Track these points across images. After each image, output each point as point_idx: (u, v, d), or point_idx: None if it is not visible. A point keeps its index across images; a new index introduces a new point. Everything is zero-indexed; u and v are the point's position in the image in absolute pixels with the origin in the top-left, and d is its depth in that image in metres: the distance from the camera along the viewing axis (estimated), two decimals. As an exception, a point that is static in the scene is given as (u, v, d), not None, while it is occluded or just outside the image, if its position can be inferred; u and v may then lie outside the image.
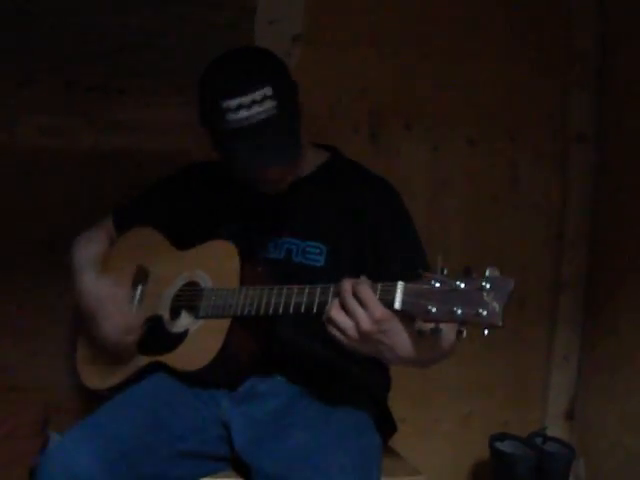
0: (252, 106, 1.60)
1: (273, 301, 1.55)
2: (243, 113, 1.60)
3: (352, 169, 1.82)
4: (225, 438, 1.65)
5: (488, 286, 1.28)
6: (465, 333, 1.30)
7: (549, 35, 2.49)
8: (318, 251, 1.72)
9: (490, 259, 2.43)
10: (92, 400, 2.17)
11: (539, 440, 2.41)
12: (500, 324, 1.28)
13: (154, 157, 2.18)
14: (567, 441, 2.45)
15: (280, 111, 1.61)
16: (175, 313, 1.74)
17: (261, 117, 1.60)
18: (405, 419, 1.96)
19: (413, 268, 1.59)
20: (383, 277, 1.44)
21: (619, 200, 2.41)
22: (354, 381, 1.72)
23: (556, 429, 2.52)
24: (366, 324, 1.38)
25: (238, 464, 1.64)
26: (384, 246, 1.69)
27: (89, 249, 1.86)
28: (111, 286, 1.76)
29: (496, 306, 1.28)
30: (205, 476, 1.64)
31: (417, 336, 1.42)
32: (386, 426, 1.77)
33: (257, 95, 1.60)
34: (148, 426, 1.57)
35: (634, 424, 2.24)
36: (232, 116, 1.60)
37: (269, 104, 1.60)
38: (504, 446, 2.36)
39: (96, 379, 1.83)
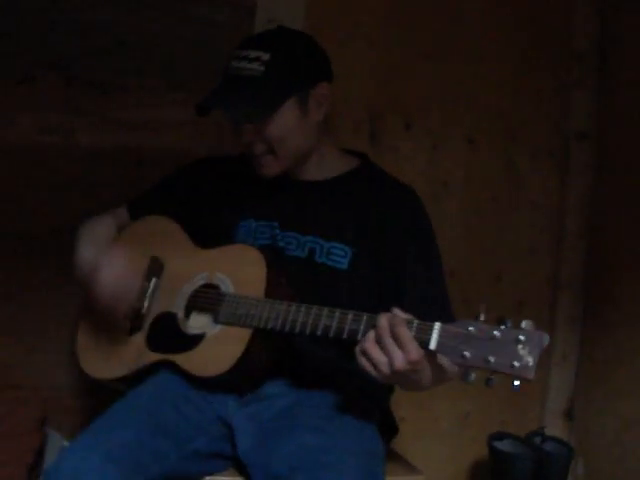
0: (242, 60, 1.65)
1: (300, 320, 1.53)
2: (234, 63, 1.67)
3: (382, 178, 1.80)
4: (228, 437, 1.65)
5: (523, 338, 1.31)
6: (495, 381, 1.33)
7: (549, 34, 2.49)
8: (343, 253, 1.69)
9: (489, 258, 2.47)
10: (91, 398, 2.20)
11: (538, 439, 2.42)
12: (532, 379, 1.31)
13: (154, 155, 2.18)
14: (566, 440, 2.46)
15: (263, 78, 1.63)
16: (190, 313, 1.70)
17: (241, 72, 1.65)
18: (404, 418, 1.97)
19: (434, 299, 1.65)
20: (402, 301, 1.49)
21: (619, 199, 2.41)
22: (359, 384, 1.72)
23: (555, 428, 2.52)
24: (400, 363, 1.39)
25: (240, 464, 1.63)
26: (408, 268, 1.68)
27: (94, 230, 1.82)
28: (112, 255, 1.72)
29: (530, 360, 1.30)
30: (210, 472, 1.64)
31: (440, 369, 1.46)
32: (388, 429, 1.78)
33: (253, 53, 1.65)
34: (154, 430, 1.55)
35: (633, 423, 2.24)
36: (229, 63, 1.68)
37: (256, 66, 1.64)
38: (503, 445, 2.36)
39: (100, 369, 1.78)
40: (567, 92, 2.52)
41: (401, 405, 1.90)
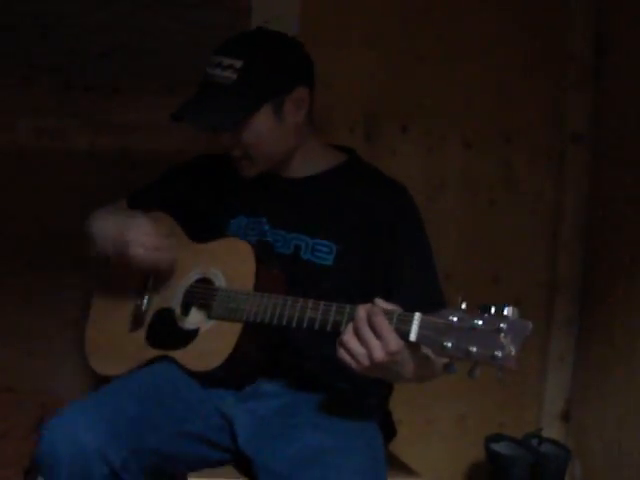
0: (216, 68, 1.65)
1: (287, 313, 1.55)
2: (208, 70, 1.67)
3: (370, 173, 1.80)
4: (227, 430, 1.65)
5: (506, 327, 1.27)
6: (478, 372, 1.29)
7: (545, 36, 2.49)
8: (328, 250, 1.69)
9: (485, 260, 2.47)
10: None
11: (535, 441, 2.41)
12: (514, 368, 1.27)
13: (152, 157, 2.19)
14: (563, 442, 2.45)
15: (236, 87, 1.63)
16: (186, 308, 1.72)
17: (214, 80, 1.65)
18: (401, 421, 1.96)
19: (426, 293, 1.64)
20: (394, 296, 1.48)
21: (614, 201, 2.41)
22: (360, 383, 1.71)
23: (552, 430, 2.52)
24: (379, 355, 1.38)
25: (239, 461, 1.64)
26: (398, 264, 1.67)
27: (108, 214, 1.83)
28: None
29: (512, 349, 1.26)
30: (207, 462, 1.65)
31: (423, 361, 1.45)
32: (387, 431, 1.78)
33: (226, 60, 1.65)
34: (152, 402, 1.58)
35: (630, 425, 2.24)
36: (205, 70, 1.67)
37: (229, 74, 1.63)
38: (500, 447, 2.36)
39: (105, 366, 1.80)
40: (563, 94, 2.51)
41: (398, 408, 1.89)
